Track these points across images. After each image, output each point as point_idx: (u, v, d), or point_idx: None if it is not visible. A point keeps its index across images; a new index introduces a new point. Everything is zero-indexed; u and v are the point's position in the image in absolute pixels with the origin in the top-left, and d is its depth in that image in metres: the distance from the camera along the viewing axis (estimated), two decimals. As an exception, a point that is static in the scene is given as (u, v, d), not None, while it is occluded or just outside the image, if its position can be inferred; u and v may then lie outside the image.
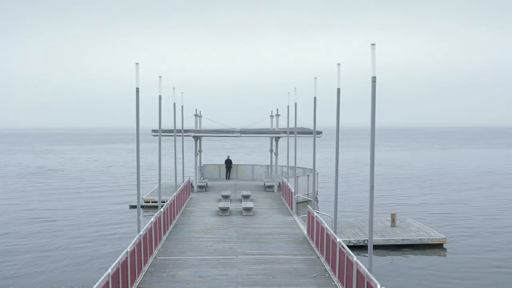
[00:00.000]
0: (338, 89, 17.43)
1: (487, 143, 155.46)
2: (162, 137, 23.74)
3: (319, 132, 32.87)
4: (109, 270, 12.58)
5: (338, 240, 15.67)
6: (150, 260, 18.05)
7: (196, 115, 40.58)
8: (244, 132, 38.52)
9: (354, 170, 64.47)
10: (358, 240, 23.66)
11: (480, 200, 39.94)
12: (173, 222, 24.92)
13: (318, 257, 18.66)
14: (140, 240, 16.36)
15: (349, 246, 20.31)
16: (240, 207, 28.84)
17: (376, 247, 22.82)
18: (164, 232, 21.93)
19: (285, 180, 32.25)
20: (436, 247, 23.94)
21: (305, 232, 22.60)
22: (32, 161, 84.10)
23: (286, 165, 33.74)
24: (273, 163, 40.76)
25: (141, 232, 16.73)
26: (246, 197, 32.03)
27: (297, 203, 29.78)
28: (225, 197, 32.18)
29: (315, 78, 22.14)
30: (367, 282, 12.17)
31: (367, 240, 17.39)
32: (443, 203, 38.52)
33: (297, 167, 35.50)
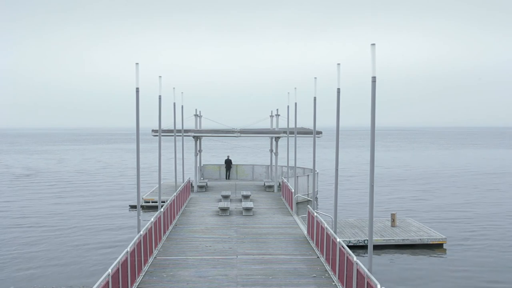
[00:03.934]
0: (338, 89, 17.43)
1: (487, 143, 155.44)
2: (162, 137, 23.74)
3: (319, 132, 32.85)
4: (109, 270, 12.58)
5: (338, 240, 15.66)
6: (150, 260, 18.05)
7: (196, 115, 40.57)
8: (244, 132, 38.50)
9: (354, 170, 64.47)
10: (358, 240, 23.66)
11: (480, 200, 39.95)
12: (173, 222, 24.91)
13: (318, 257, 18.66)
14: (140, 240, 16.35)
15: (349, 246, 20.31)
16: (240, 207, 28.83)
17: (376, 247, 22.83)
18: (164, 232, 21.93)
19: (285, 180, 32.24)
20: (436, 247, 23.95)
21: (305, 232, 22.59)
22: (32, 161, 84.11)
23: (286, 165, 33.73)
24: (273, 163, 40.75)
25: (141, 232, 16.73)
26: (246, 197, 32.01)
27: (297, 203, 29.76)
28: (225, 197, 32.17)
29: (315, 78, 22.15)
30: (367, 282, 12.17)
31: (367, 240, 17.39)
32: (443, 203, 38.54)
33: (297, 167, 35.48)
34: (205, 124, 42.05)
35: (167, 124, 32.00)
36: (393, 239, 23.94)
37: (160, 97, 22.12)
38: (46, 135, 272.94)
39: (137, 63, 17.31)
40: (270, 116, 41.63)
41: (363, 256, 20.83)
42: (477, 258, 23.00)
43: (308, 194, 34.68)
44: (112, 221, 31.16)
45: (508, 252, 24.07)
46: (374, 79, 12.77)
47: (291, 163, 32.27)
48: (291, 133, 31.45)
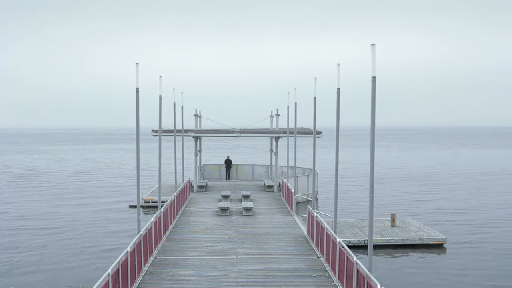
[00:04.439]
0: (338, 89, 17.43)
1: (487, 143, 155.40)
2: (162, 137, 23.74)
3: (319, 132, 32.84)
4: (109, 270, 12.58)
5: (338, 240, 15.67)
6: (150, 260, 18.05)
7: (196, 115, 40.58)
8: (244, 132, 38.52)
9: (354, 170, 64.46)
10: (358, 240, 23.66)
11: (481, 200, 39.94)
12: (173, 222, 24.92)
13: (318, 257, 18.67)
14: (140, 240, 16.36)
15: (349, 246, 20.32)
16: (240, 207, 28.84)
17: (376, 247, 22.82)
18: (164, 232, 21.93)
19: (285, 180, 32.25)
20: (436, 247, 23.94)
21: (305, 232, 22.60)
22: (32, 161, 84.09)
23: (286, 165, 33.75)
24: (273, 163, 40.76)
25: (141, 232, 16.73)
26: (246, 197, 32.03)
27: (297, 203, 29.77)
28: (225, 197, 32.18)
29: (315, 78, 22.14)
30: (367, 282, 12.17)
31: (367, 240, 17.39)
32: (444, 203, 38.52)
33: (297, 167, 35.49)
34: (205, 124, 42.07)
35: (167, 124, 32.02)
36: (393, 239, 23.93)
37: (160, 97, 22.13)
38: (46, 135, 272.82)
39: (137, 63, 17.32)
40: (270, 116, 41.65)
41: (363, 256, 20.83)
42: (477, 258, 22.99)
43: (308, 194, 34.69)
44: (112, 221, 31.15)
45: (509, 253, 24.05)
46: (374, 79, 12.77)
47: (291, 163, 32.30)
48: (291, 133, 31.46)
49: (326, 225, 17.95)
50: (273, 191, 36.82)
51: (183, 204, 29.90)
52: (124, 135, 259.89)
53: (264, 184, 38.29)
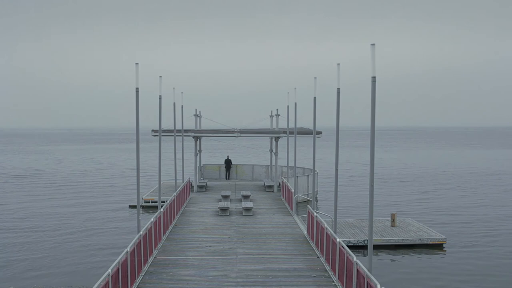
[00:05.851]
0: (338, 89, 17.43)
1: (487, 144, 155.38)
2: (162, 137, 23.74)
3: (319, 132, 32.85)
4: (109, 270, 12.59)
5: (338, 240, 15.67)
6: (150, 260, 18.05)
7: (196, 115, 40.57)
8: (244, 132, 38.52)
9: (354, 170, 64.44)
10: (358, 240, 23.66)
11: (480, 200, 39.94)
12: (173, 222, 24.92)
13: (318, 257, 18.67)
14: (140, 240, 16.36)
15: (349, 246, 20.30)
16: (240, 207, 28.84)
17: (376, 247, 22.82)
18: (164, 232, 21.93)
19: (285, 180, 32.24)
20: (436, 247, 23.95)
21: (305, 232, 22.60)
22: (31, 161, 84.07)
23: (286, 165, 33.72)
24: (273, 163, 40.76)
25: (141, 232, 16.73)
26: (246, 197, 32.02)
27: (297, 203, 29.77)
28: (225, 197, 32.17)
29: (315, 78, 22.14)
30: (367, 282, 12.17)
31: (367, 240, 17.39)
32: (444, 203, 38.52)
33: (297, 167, 35.50)
34: (205, 124, 42.06)
35: (167, 124, 32.01)
36: (393, 239, 23.94)
37: (160, 97, 22.13)
38: (46, 135, 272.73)
39: (137, 63, 17.31)
40: (270, 116, 41.64)
41: (363, 256, 20.84)
42: (477, 258, 23.00)
43: (308, 194, 34.69)
44: (112, 221, 31.16)
45: (509, 252, 24.06)
46: (374, 79, 12.77)
47: (291, 163, 32.28)
48: (291, 133, 31.45)
49: (326, 225, 17.95)
50: (273, 191, 36.82)
51: (183, 204, 29.89)
52: (123, 135, 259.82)
53: (264, 184, 38.29)
